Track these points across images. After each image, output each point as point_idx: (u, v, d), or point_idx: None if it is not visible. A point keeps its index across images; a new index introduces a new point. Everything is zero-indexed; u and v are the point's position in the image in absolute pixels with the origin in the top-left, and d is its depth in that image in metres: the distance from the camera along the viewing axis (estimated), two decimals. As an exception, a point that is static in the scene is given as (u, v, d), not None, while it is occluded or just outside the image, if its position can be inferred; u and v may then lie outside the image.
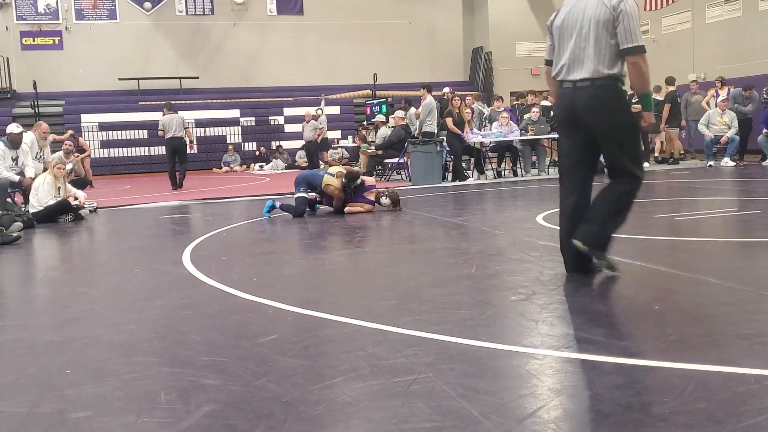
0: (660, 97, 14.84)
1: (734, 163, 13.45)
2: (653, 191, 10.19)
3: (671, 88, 14.88)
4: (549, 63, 4.37)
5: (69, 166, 11.01)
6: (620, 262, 4.65)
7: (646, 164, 14.27)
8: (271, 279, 4.65)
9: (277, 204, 8.84)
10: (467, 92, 18.65)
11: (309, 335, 3.26)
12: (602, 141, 4.16)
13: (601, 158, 4.41)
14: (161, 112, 15.25)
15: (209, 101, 22.59)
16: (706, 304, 3.55)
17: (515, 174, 13.65)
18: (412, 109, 15.20)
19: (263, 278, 4.69)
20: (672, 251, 5.10)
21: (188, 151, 14.49)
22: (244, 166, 21.76)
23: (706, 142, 13.83)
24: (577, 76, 4.10)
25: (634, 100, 14.54)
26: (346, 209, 8.67)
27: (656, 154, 15.51)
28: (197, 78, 23.48)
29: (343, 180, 8.49)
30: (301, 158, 21.42)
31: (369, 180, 8.90)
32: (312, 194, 8.92)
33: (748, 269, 4.33)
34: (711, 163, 13.64)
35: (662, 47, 19.84)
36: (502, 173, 13.77)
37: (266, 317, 3.64)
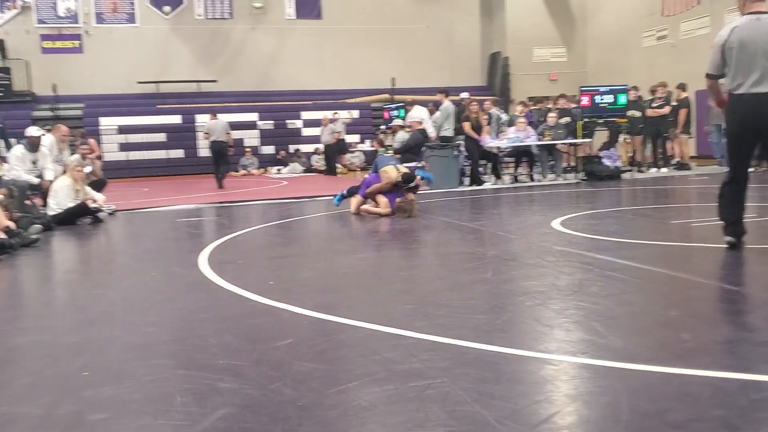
0: (672, 102, 14.70)
1: (752, 169, 13.31)
2: (669, 197, 10.12)
3: (684, 95, 14.76)
4: (713, 77, 5.07)
5: (87, 169, 11.12)
6: (637, 269, 4.63)
7: (664, 170, 14.18)
8: (287, 283, 4.66)
9: (345, 192, 9.27)
10: (484, 97, 18.63)
11: (325, 339, 3.27)
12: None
13: None
14: (197, 115, 17.06)
15: (227, 104, 22.73)
16: (723, 310, 3.52)
17: (532, 179, 13.60)
18: (434, 113, 15.26)
19: (279, 282, 4.70)
20: (689, 257, 5.06)
21: (229, 154, 15.83)
22: (262, 170, 21.86)
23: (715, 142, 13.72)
24: (763, 89, 4.80)
25: (654, 105, 14.51)
26: (362, 207, 8.69)
27: (678, 159, 15.37)
28: (215, 81, 23.64)
29: (400, 178, 8.50)
30: (318, 162, 21.48)
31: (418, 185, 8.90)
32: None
33: (765, 276, 4.29)
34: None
35: (682, 52, 19.70)
36: (519, 178, 13.72)
37: (282, 321, 3.65)
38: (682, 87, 14.79)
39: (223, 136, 15.22)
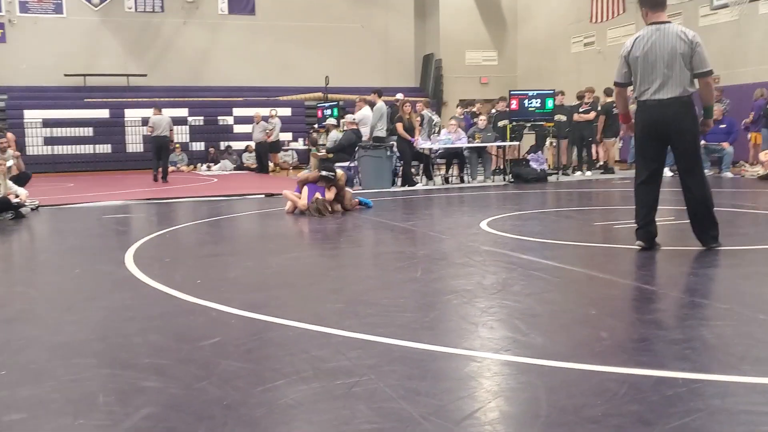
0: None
1: (671, 174, 13.85)
2: (593, 200, 10.44)
3: (609, 99, 15.23)
4: (620, 85, 5.33)
5: (9, 162, 10.67)
6: (559, 268, 4.76)
7: (587, 173, 14.60)
8: (215, 281, 4.61)
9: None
10: (417, 98, 18.79)
11: (252, 338, 3.24)
12: (679, 145, 5.13)
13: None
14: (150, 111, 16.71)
15: (157, 99, 22.20)
16: (640, 309, 3.66)
17: (462, 180, 13.80)
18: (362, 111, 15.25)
19: (207, 280, 4.64)
20: (609, 258, 5.23)
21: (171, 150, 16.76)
22: (191, 167, 21.45)
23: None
24: (665, 95, 5.07)
25: (581, 110, 14.92)
26: (284, 192, 8.85)
27: (601, 162, 15.84)
28: (145, 76, 23.05)
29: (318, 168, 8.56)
30: (249, 160, 21.22)
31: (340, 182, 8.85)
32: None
33: (681, 276, 4.48)
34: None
35: (608, 58, 20.32)
36: (450, 179, 13.91)
37: (209, 320, 3.61)
38: (607, 92, 15.24)
39: (166, 131, 15.69)
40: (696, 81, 5.10)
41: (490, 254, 5.37)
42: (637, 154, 5.40)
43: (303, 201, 8.64)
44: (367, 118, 13.25)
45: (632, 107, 5.51)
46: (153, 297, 4.16)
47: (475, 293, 4.04)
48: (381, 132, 12.80)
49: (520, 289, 4.13)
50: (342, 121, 15.63)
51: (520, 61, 24.93)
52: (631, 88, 5.34)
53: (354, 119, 14.12)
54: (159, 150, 15.78)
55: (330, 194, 8.68)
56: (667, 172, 13.78)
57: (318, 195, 8.63)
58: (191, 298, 4.07)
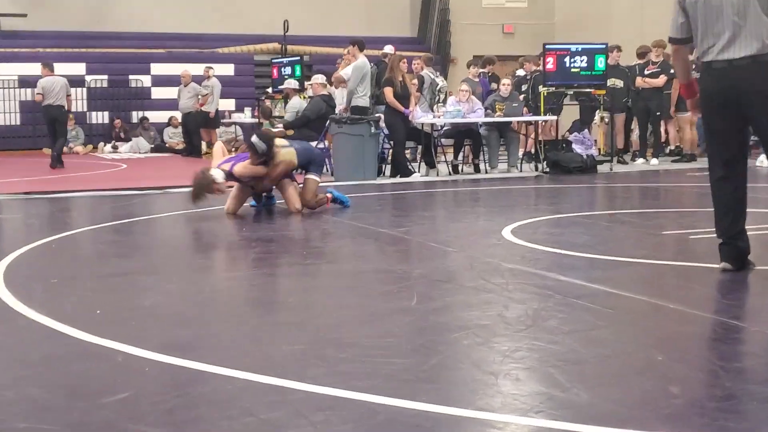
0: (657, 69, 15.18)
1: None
2: (662, 199, 10.48)
3: (691, 58, 15.24)
4: (677, 41, 5.39)
5: None
6: (612, 296, 4.77)
7: (654, 161, 14.69)
8: (123, 312, 4.57)
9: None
10: (414, 53, 18.80)
11: (176, 394, 3.22)
12: (763, 122, 5.10)
13: None
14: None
15: (41, 50, 22.05)
16: (724, 354, 3.67)
17: (477, 169, 13.84)
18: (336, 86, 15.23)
19: (112, 311, 4.60)
20: (683, 282, 5.25)
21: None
22: (90, 147, 21.34)
23: None
24: (736, 54, 5.03)
25: (646, 72, 14.97)
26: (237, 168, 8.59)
27: (672, 147, 15.92)
28: (24, 16, 22.92)
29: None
30: (173, 137, 21.12)
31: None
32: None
33: (783, 308, 4.52)
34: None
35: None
36: (460, 168, 13.94)
37: (114, 367, 3.58)
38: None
39: (62, 99, 15.73)
40: None
41: (516, 274, 5.37)
42: (707, 138, 5.43)
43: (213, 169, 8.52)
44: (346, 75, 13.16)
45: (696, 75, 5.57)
46: (33, 334, 4.12)
47: (495, 330, 4.03)
48: (363, 100, 12.80)
49: (557, 324, 4.13)
50: (308, 83, 15.61)
51: (558, 3, 25.04)
52: (693, 45, 5.37)
53: (347, 76, 13.96)
54: (53, 123, 15.89)
55: (244, 170, 8.45)
56: (763, 160, 13.94)
57: (223, 167, 8.48)
58: (88, 335, 4.02)
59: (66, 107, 16.04)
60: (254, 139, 8.56)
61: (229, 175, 8.49)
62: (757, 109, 5.06)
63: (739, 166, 5.24)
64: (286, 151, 8.67)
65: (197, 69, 19.65)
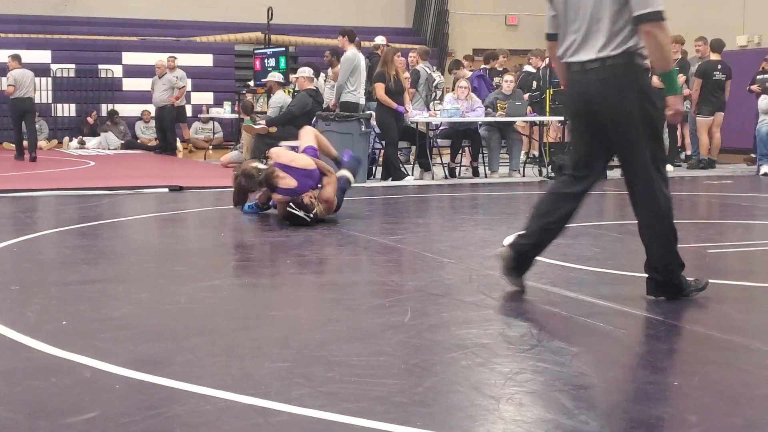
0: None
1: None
2: (677, 209, 10.48)
3: (714, 56, 15.30)
4: (552, 37, 5.12)
5: None
6: (623, 314, 4.78)
7: (669, 167, 14.71)
8: (91, 323, 4.56)
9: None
10: (409, 45, 18.83)
11: (148, 414, 3.21)
12: (615, 138, 4.90)
13: None
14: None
15: (2, 36, 22.01)
16: (749, 381, 3.68)
17: (476, 173, 13.86)
18: (322, 77, 15.22)
19: (78, 322, 4.59)
20: (701, 299, 5.26)
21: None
22: (55, 141, 21.30)
23: (760, 136, 14.35)
24: (586, 56, 4.83)
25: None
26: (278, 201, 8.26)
27: (688, 153, 15.97)
28: (-16, -1, 22.89)
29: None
30: (145, 133, 21.09)
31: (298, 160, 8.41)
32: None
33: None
34: (767, 169, 14.14)
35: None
36: (457, 171, 13.95)
37: (80, 384, 3.57)
38: (715, 47, 15.29)
39: (31, 92, 17.11)
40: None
41: (519, 289, 5.37)
42: (571, 142, 5.39)
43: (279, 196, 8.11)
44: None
45: None
46: (-8, 346, 4.11)
47: (495, 350, 4.03)
48: (353, 95, 12.81)
49: (563, 344, 4.14)
50: (293, 77, 15.60)
51: (567, -7, 25.07)
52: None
53: (310, 75, 14.07)
54: (22, 117, 16.92)
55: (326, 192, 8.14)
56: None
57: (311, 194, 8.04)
58: (52, 348, 4.01)
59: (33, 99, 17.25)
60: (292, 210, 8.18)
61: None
62: (607, 122, 4.87)
63: (586, 179, 5.08)
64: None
65: (174, 59, 19.62)
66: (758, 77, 15.51)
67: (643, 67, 4.86)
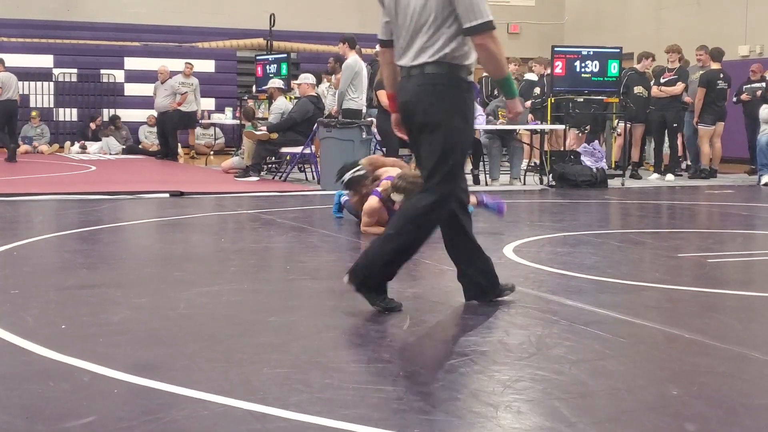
0: (694, 76, 15.31)
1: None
2: (678, 218, 10.50)
3: (715, 66, 15.34)
4: (385, 44, 5.12)
5: None
6: (623, 323, 4.77)
7: (670, 177, 14.74)
8: (89, 328, 4.56)
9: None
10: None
11: (146, 419, 3.21)
12: (421, 145, 4.90)
13: None
14: None
15: (5, 40, 22.05)
16: (747, 390, 3.68)
17: (476, 181, 13.86)
18: (325, 83, 15.25)
19: (77, 326, 4.59)
20: (701, 309, 5.26)
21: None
22: (56, 146, 21.31)
23: (760, 146, 14.38)
24: (409, 60, 4.85)
25: (663, 80, 15.04)
26: (365, 229, 8.05)
27: (688, 162, 16.00)
28: (-15, 3, 22.92)
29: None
30: (147, 138, 21.11)
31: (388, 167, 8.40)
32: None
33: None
34: (767, 179, 14.17)
35: (703, 3, 20.53)
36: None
37: (79, 388, 3.57)
38: (714, 55, 15.35)
39: (17, 95, 17.60)
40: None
41: (518, 297, 5.36)
42: None
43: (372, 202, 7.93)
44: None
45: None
46: (-9, 349, 4.11)
47: (494, 357, 4.03)
48: (355, 102, 12.82)
49: (562, 353, 4.13)
50: (294, 83, 15.62)
51: (569, 2, 25.15)
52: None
53: (312, 82, 14.08)
54: (9, 120, 17.40)
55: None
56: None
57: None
58: (50, 352, 4.01)
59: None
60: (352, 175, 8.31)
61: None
62: (418, 130, 4.90)
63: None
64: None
65: (175, 64, 19.65)
66: (745, 87, 15.63)
67: (463, 80, 4.84)
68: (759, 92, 15.18)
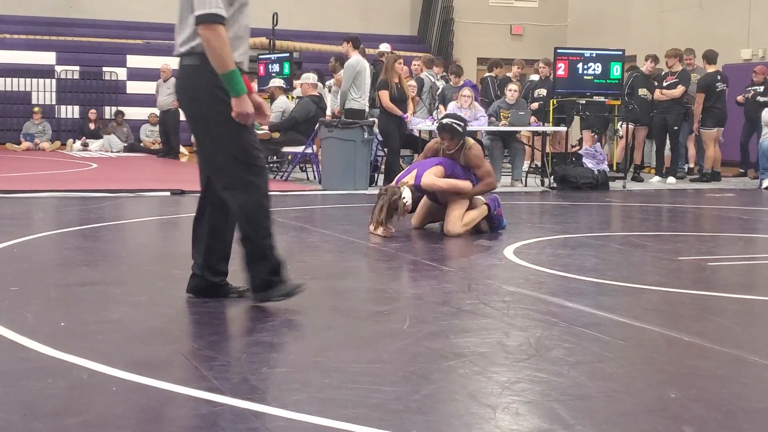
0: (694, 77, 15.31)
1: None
2: (679, 221, 10.50)
3: (711, 69, 15.34)
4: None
5: None
6: (622, 325, 4.78)
7: (671, 179, 14.73)
8: (89, 325, 4.56)
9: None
10: (413, 53, 18.84)
11: (143, 416, 3.22)
12: (195, 134, 5.05)
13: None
14: None
15: (8, 37, 22.05)
16: (745, 393, 3.68)
17: (478, 181, 13.85)
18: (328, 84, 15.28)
19: (76, 324, 4.59)
20: (701, 312, 5.26)
21: None
22: (58, 143, 21.30)
23: (762, 150, 14.39)
24: (175, 51, 4.95)
25: (665, 83, 15.04)
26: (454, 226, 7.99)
27: (691, 165, 16.01)
28: (-11, 1, 22.93)
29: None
30: (149, 136, 21.10)
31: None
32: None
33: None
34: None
35: (706, 7, 20.51)
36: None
37: (77, 385, 3.57)
38: (709, 58, 15.35)
39: None
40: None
41: (518, 299, 5.38)
42: None
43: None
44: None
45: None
46: (-10, 346, 4.11)
47: (493, 359, 4.03)
48: (358, 102, 12.81)
49: (561, 354, 4.14)
50: (296, 82, 15.63)
51: (572, 4, 25.14)
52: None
53: (314, 81, 14.09)
54: None
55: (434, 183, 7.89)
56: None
57: (407, 181, 7.85)
58: (49, 349, 4.02)
59: None
60: (446, 121, 8.12)
61: (417, 188, 7.97)
62: (191, 127, 5.00)
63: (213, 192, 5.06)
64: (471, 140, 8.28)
65: (177, 62, 19.60)
66: (747, 89, 15.65)
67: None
68: (750, 93, 15.23)
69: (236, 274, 5.18)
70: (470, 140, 8.23)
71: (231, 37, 4.76)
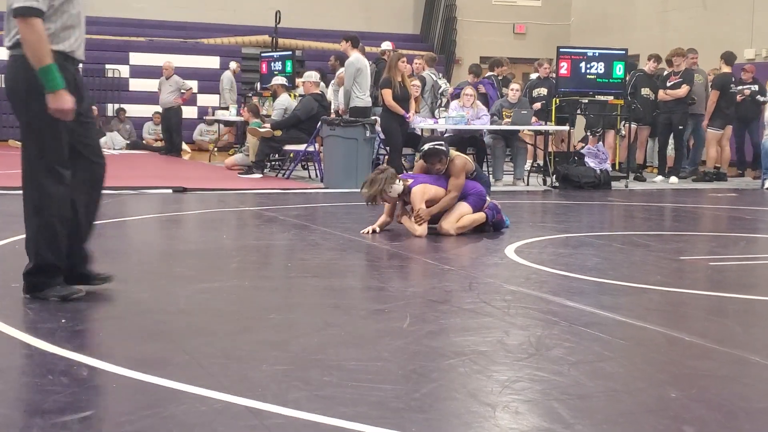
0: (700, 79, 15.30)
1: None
2: (681, 221, 10.49)
3: (725, 69, 15.31)
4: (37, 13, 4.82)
5: None
6: (623, 324, 4.77)
7: (674, 179, 14.72)
8: (89, 322, 4.57)
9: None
10: (415, 52, 18.84)
11: (144, 414, 3.21)
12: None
13: None
14: None
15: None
16: (746, 394, 3.67)
17: (480, 181, 13.84)
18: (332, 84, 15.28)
19: (77, 320, 4.59)
20: (702, 312, 5.26)
21: None
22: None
23: (765, 150, 14.38)
24: (5, 42, 4.87)
25: (669, 83, 15.03)
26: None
27: (717, 165, 16.01)
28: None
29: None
30: (151, 134, 21.11)
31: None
32: None
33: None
34: None
35: (709, 6, 20.50)
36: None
37: (77, 382, 3.57)
38: (727, 59, 15.32)
39: None
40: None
41: (519, 298, 5.38)
42: None
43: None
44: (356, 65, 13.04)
45: None
46: (-10, 342, 4.12)
47: (493, 358, 4.03)
48: (362, 100, 12.79)
49: (562, 353, 4.14)
50: (299, 80, 15.62)
51: (575, 3, 25.13)
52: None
53: (316, 80, 14.06)
54: None
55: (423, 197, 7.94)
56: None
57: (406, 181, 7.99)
58: (49, 346, 4.02)
59: None
60: (427, 147, 8.16)
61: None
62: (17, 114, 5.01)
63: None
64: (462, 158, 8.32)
65: (180, 60, 19.65)
66: (737, 87, 15.60)
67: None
68: (747, 91, 15.21)
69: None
70: (454, 152, 8.25)
71: (58, 28, 4.82)
